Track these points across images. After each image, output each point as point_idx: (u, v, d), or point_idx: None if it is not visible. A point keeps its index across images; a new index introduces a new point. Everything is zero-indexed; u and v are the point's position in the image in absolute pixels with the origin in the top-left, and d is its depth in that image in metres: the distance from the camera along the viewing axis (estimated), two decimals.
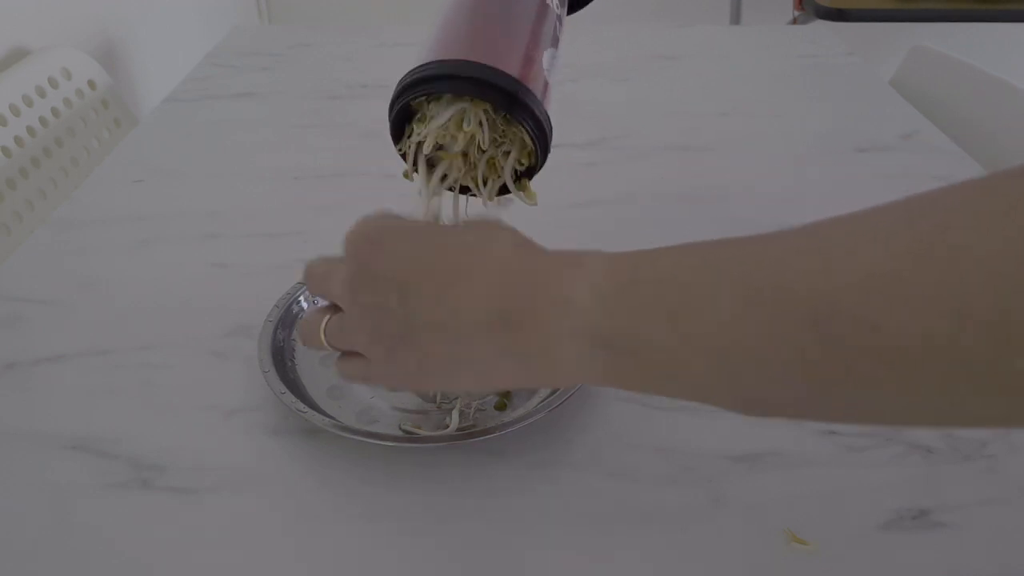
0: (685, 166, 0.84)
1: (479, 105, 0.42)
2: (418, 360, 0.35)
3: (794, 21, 1.78)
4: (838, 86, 1.04)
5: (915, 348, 0.24)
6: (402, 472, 0.47)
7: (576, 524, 0.44)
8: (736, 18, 2.01)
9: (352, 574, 0.42)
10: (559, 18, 0.48)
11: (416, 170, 0.45)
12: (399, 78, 0.42)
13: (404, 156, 0.45)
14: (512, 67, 0.41)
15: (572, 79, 1.05)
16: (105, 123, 1.14)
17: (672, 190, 0.78)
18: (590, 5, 0.54)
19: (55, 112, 1.05)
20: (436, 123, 0.42)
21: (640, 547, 0.43)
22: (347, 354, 0.39)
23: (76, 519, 0.45)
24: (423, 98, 0.42)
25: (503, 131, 0.43)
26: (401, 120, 0.44)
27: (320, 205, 0.76)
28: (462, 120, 0.42)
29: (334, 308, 0.39)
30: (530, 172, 0.46)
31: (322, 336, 0.39)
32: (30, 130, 1.00)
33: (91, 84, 1.12)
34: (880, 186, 0.79)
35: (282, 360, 0.53)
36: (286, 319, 0.56)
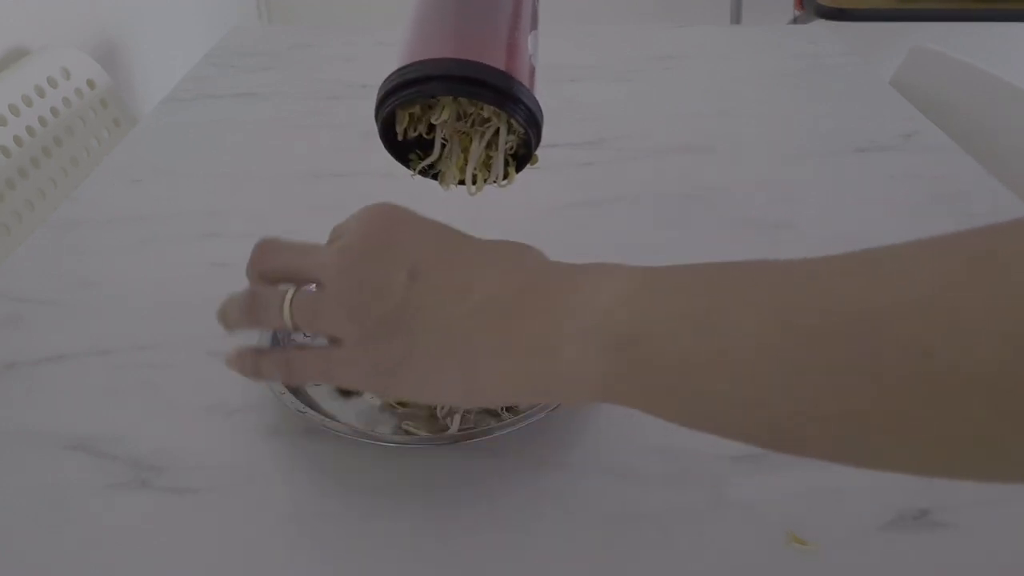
0: (685, 166, 0.84)
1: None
2: (404, 347, 0.33)
3: (794, 20, 1.78)
4: (838, 86, 1.04)
5: (965, 375, 0.22)
6: (402, 472, 0.47)
7: (576, 524, 0.44)
8: (736, 18, 2.01)
9: (352, 574, 0.42)
10: None
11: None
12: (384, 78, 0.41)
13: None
14: (499, 60, 0.40)
15: (572, 79, 1.05)
16: (104, 123, 1.14)
17: (672, 190, 0.78)
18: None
19: (54, 112, 1.05)
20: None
21: (640, 547, 0.43)
22: (299, 349, 0.38)
23: (76, 519, 0.45)
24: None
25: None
26: (389, 123, 0.43)
27: (320, 205, 0.76)
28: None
29: (291, 287, 0.37)
30: (521, 161, 0.45)
31: (286, 311, 0.36)
32: (29, 130, 1.00)
33: (90, 84, 1.12)
34: (880, 186, 0.78)
35: None
36: None
